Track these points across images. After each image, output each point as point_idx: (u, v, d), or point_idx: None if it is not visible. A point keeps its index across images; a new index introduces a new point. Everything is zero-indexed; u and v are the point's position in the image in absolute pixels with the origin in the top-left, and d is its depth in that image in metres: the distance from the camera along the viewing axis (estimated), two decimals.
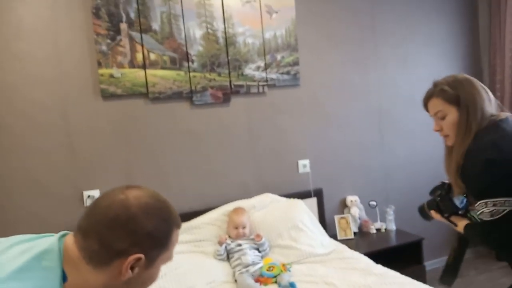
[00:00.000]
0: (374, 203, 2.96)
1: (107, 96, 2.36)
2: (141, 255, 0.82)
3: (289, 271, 2.17)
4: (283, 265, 2.18)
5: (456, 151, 1.33)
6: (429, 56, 3.27)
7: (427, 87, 3.49)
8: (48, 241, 0.83)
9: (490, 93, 1.37)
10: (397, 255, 2.66)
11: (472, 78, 1.38)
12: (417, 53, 3.23)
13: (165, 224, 0.87)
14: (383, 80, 3.12)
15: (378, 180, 3.11)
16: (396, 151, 3.18)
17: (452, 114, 1.35)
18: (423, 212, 1.51)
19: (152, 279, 0.90)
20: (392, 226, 2.91)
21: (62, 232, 0.87)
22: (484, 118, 1.30)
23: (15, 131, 2.21)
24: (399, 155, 3.19)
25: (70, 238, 0.85)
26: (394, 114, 3.16)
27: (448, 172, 1.39)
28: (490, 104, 1.34)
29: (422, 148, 3.25)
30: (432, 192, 1.48)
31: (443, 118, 1.38)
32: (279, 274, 2.11)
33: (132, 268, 0.83)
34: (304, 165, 2.85)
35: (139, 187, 0.89)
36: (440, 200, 1.40)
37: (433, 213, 1.45)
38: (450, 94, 1.35)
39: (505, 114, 1.33)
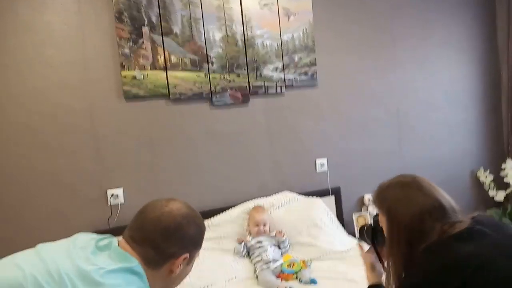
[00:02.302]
0: None
1: (129, 97, 2.43)
2: (187, 255, 1.05)
3: (310, 267, 2.20)
4: (303, 261, 2.21)
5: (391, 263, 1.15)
6: (447, 59, 3.27)
7: (445, 90, 3.51)
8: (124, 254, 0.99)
9: (443, 200, 1.11)
10: None
11: (408, 187, 1.14)
12: (435, 56, 3.23)
13: (200, 229, 1.11)
14: (401, 82, 3.13)
15: None
16: (414, 152, 3.19)
17: (383, 223, 1.18)
18: (362, 233, 1.39)
19: (189, 272, 1.13)
20: None
21: (113, 239, 1.04)
22: (422, 233, 1.06)
23: (44, 133, 2.30)
24: (417, 156, 3.19)
25: (127, 248, 1.01)
26: (412, 117, 3.17)
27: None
28: (431, 217, 1.07)
29: (440, 150, 3.26)
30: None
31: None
32: (299, 270, 2.14)
33: (179, 265, 1.04)
34: (321, 164, 2.88)
35: (177, 200, 1.10)
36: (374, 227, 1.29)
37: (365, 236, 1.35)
38: (376, 203, 1.20)
39: (463, 224, 1.06)
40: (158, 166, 2.52)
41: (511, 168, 3.22)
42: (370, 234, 1.32)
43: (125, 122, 2.45)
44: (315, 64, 2.83)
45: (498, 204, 3.32)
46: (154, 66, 2.46)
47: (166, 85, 2.49)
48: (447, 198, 1.13)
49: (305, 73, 2.81)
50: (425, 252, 1.03)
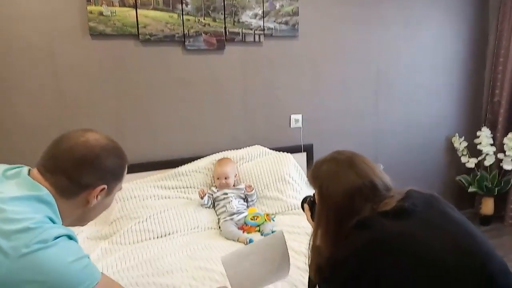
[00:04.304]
0: None
1: (95, 34, 2.27)
2: (105, 186, 1.02)
3: (273, 220, 2.19)
4: (267, 215, 2.20)
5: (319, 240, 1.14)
6: (433, 20, 3.13)
7: (428, 52, 3.38)
8: (29, 180, 0.95)
9: (377, 178, 1.09)
10: None
11: (341, 164, 1.12)
12: (421, 15, 3.08)
13: (120, 161, 1.07)
14: (384, 42, 3.00)
15: (369, 138, 3.09)
16: (390, 114, 3.13)
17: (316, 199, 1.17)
18: (303, 203, 1.36)
19: (109, 204, 1.11)
20: None
21: (23, 168, 0.99)
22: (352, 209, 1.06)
23: (1, 69, 2.14)
24: (393, 118, 3.14)
25: (38, 177, 0.96)
26: (391, 77, 3.08)
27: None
28: (362, 196, 1.06)
29: (417, 114, 3.22)
30: None
31: None
32: (262, 223, 2.13)
33: (96, 196, 1.02)
34: (296, 119, 2.81)
35: (96, 131, 1.05)
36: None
37: (306, 207, 1.32)
38: (310, 179, 1.20)
39: (393, 200, 1.05)
40: (124, 111, 2.41)
41: (485, 136, 3.22)
42: (309, 206, 1.30)
43: (89, 62, 2.30)
44: (297, 14, 2.67)
45: (469, 171, 3.35)
46: (123, 3, 2.29)
47: (136, 24, 2.33)
48: (381, 177, 1.11)
49: (286, 23, 2.66)
50: (355, 226, 1.02)
